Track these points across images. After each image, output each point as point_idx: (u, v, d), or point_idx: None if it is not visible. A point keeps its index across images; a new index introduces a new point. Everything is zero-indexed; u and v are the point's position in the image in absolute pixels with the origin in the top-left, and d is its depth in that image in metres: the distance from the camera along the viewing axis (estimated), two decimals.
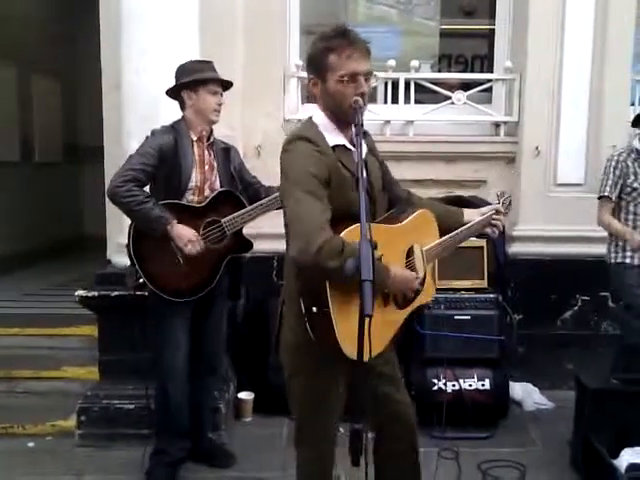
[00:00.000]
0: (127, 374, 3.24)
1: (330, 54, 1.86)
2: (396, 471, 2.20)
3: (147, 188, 2.79)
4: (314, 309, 1.79)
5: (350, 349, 1.73)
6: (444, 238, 2.13)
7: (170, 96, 2.88)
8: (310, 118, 1.98)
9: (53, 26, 6.74)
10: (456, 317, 3.52)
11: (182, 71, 2.83)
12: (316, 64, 1.90)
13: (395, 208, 2.12)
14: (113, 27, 3.50)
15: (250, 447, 3.28)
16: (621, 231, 3.26)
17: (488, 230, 2.25)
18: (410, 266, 2.01)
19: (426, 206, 2.18)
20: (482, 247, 3.64)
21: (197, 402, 3.05)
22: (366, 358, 1.64)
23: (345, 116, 1.89)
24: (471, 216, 2.24)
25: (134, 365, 3.13)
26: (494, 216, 2.25)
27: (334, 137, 1.92)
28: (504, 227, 2.33)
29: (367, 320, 1.54)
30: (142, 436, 3.10)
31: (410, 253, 2.02)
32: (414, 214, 2.06)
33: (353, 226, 1.74)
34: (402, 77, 4.14)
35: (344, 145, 1.94)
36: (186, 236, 2.73)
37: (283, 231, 1.99)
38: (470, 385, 3.48)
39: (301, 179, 1.80)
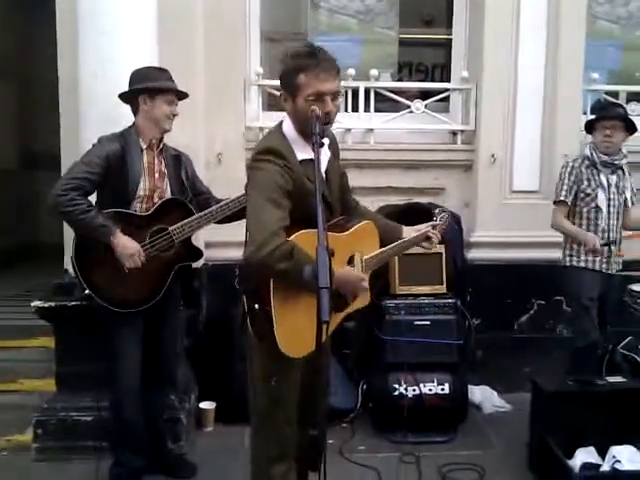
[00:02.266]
0: (85, 385, 3.18)
1: (300, 74, 1.96)
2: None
3: (94, 197, 2.75)
4: (256, 306, 1.93)
5: (286, 347, 1.92)
6: (383, 249, 2.28)
7: (123, 100, 2.85)
8: (280, 128, 2.08)
9: (8, 27, 6.59)
10: (416, 322, 3.57)
11: (140, 76, 2.80)
12: (286, 82, 2.01)
13: (344, 216, 2.25)
14: (70, 30, 3.44)
15: (211, 457, 3.26)
16: (575, 232, 3.37)
17: (425, 244, 2.40)
18: None
19: (370, 218, 2.33)
20: (441, 253, 3.70)
21: (155, 412, 3.02)
22: (300, 355, 1.92)
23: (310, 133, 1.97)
24: (408, 232, 2.39)
25: (92, 376, 3.07)
26: (431, 231, 2.40)
27: (302, 151, 2.04)
28: (449, 237, 2.43)
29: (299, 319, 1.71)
30: (101, 448, 3.05)
31: (351, 261, 2.15)
32: (359, 224, 2.20)
33: (303, 231, 1.90)
34: (362, 86, 4.19)
35: (311, 159, 2.01)
36: (128, 248, 2.67)
37: (244, 239, 2.04)
38: (430, 390, 3.53)
39: (266, 187, 1.93)
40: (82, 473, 3.03)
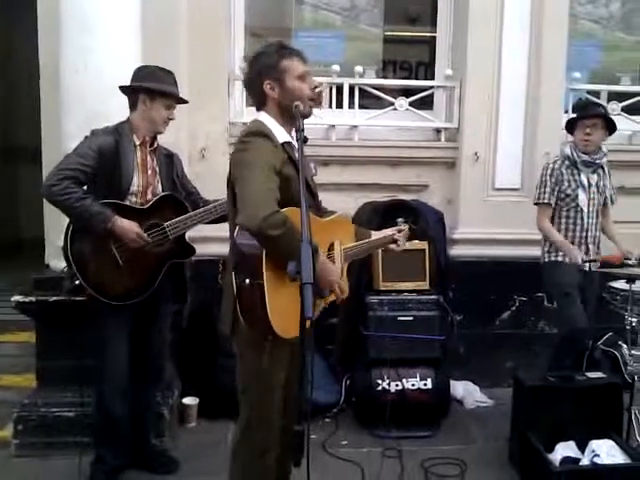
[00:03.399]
0: (66, 381, 3.15)
1: (281, 60, 2.14)
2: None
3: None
4: (247, 281, 1.95)
5: (275, 322, 1.93)
6: (358, 243, 2.38)
7: (123, 92, 2.82)
8: (257, 120, 2.16)
9: None
10: (399, 318, 3.59)
11: (145, 74, 2.78)
12: (271, 70, 2.14)
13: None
14: (52, 24, 3.39)
15: (194, 453, 3.25)
16: (560, 243, 3.40)
17: (393, 245, 2.55)
18: (330, 259, 2.18)
19: None
20: (424, 250, 3.72)
21: (139, 407, 3.00)
22: (288, 335, 1.93)
23: (304, 106, 2.12)
24: (377, 236, 2.52)
25: (73, 371, 3.05)
26: (397, 234, 2.54)
27: (282, 135, 2.13)
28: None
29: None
30: (82, 444, 3.02)
31: (331, 248, 2.18)
32: (337, 214, 2.31)
33: (291, 207, 1.93)
34: (346, 82, 4.19)
35: (290, 142, 2.13)
36: (129, 229, 2.67)
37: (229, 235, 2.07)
38: (413, 385, 3.55)
39: (258, 164, 2.00)
40: (63, 469, 3.00)
